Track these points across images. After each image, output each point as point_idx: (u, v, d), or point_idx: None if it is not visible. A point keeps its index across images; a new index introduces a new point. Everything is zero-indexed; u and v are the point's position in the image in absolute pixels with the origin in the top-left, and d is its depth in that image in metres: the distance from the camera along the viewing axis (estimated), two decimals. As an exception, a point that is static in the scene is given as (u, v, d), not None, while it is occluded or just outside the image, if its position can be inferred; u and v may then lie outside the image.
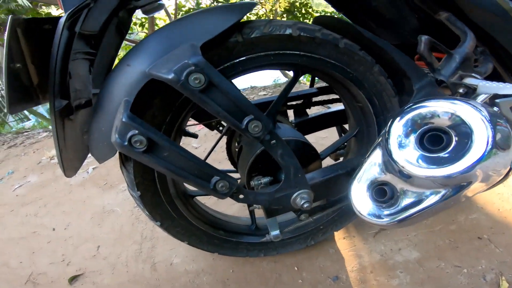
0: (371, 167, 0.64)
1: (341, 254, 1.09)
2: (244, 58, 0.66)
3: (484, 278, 0.95)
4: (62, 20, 0.49)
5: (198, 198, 0.99)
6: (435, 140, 0.56)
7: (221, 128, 1.06)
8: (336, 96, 1.12)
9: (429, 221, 1.18)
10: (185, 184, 0.88)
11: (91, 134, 0.63)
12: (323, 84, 1.08)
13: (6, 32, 0.48)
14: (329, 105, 1.15)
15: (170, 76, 0.50)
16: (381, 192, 0.63)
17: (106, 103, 0.61)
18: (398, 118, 0.59)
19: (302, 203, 0.70)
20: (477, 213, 1.20)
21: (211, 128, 1.06)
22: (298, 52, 0.67)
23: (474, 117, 0.50)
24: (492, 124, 0.48)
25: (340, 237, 1.15)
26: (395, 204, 0.61)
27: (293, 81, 0.79)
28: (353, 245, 1.12)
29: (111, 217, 1.46)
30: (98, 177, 1.87)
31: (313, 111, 1.11)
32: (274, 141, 0.63)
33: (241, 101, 0.56)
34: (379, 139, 0.66)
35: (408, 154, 0.57)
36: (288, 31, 0.64)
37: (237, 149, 1.01)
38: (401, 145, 0.58)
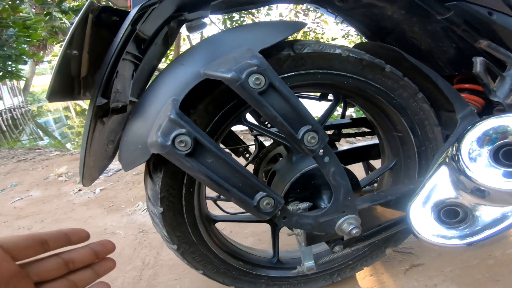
0: (435, 188, 0.50)
1: None
2: (293, 73, 0.58)
3: None
4: (132, 13, 0.45)
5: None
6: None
7: (247, 155, 0.93)
8: (367, 130, 1.00)
9: (464, 257, 0.98)
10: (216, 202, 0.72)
11: (124, 136, 0.54)
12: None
13: (78, 16, 0.46)
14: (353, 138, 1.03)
15: (230, 75, 0.42)
16: (451, 213, 0.49)
17: (150, 103, 0.52)
18: (471, 133, 0.47)
19: (350, 229, 0.54)
20: None
21: (237, 154, 0.94)
22: (345, 74, 0.60)
23: None
24: None
25: (366, 275, 0.94)
26: (470, 224, 0.47)
27: (333, 106, 0.70)
28: (382, 282, 0.91)
29: (112, 239, 1.20)
30: (104, 198, 1.68)
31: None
32: (328, 157, 0.50)
33: (300, 109, 0.46)
34: (442, 158, 0.53)
35: (485, 170, 0.43)
36: (338, 51, 0.58)
37: (265, 178, 0.85)
38: (475, 160, 0.45)
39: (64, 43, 0.47)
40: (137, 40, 0.53)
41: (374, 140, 0.91)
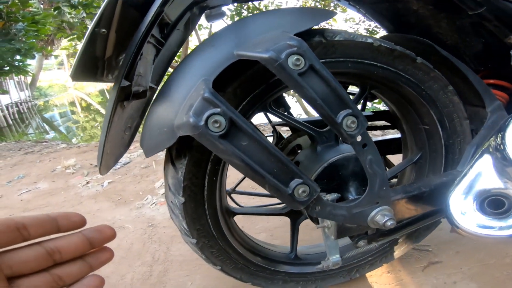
0: (478, 177, 0.46)
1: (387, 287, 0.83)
2: (323, 60, 0.54)
3: None
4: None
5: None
6: None
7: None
8: (388, 124, 0.94)
9: (481, 256, 0.93)
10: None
11: (147, 120, 0.51)
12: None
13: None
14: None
15: (268, 54, 0.39)
16: (495, 204, 0.44)
17: (177, 84, 0.48)
18: None
19: (384, 220, 0.49)
20: None
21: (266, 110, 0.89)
22: (376, 63, 0.57)
23: None
24: None
25: (383, 271, 0.89)
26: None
27: (360, 96, 0.66)
28: (400, 279, 0.86)
29: (120, 233, 1.19)
30: (112, 191, 1.63)
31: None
32: (366, 144, 0.45)
33: (340, 93, 0.43)
34: (484, 147, 0.48)
35: None
36: (370, 40, 0.55)
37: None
38: None
39: (93, 21, 0.44)
40: (161, 24, 0.51)
41: (395, 135, 0.86)
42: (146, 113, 0.51)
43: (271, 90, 0.52)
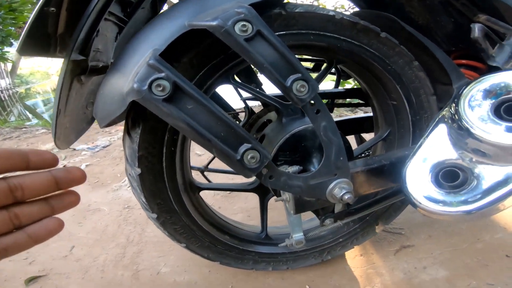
0: (433, 148, 0.47)
1: (359, 272, 0.86)
2: (284, 32, 0.55)
3: None
4: None
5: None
6: None
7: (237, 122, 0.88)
8: (361, 102, 0.96)
9: (453, 240, 0.97)
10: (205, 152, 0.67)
11: (100, 90, 0.50)
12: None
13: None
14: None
15: (215, 22, 0.40)
16: (450, 176, 0.45)
17: (129, 55, 0.48)
18: (473, 88, 0.43)
19: (342, 193, 0.50)
20: (502, 233, 1.00)
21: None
22: (339, 36, 0.58)
23: None
24: None
25: (356, 254, 0.92)
26: (470, 188, 0.43)
27: (326, 70, 0.67)
28: (372, 262, 0.89)
29: (96, 216, 1.19)
30: (90, 174, 1.61)
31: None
32: (319, 110, 0.46)
33: (289, 57, 0.44)
34: (440, 115, 0.50)
35: (487, 125, 0.40)
36: (331, 13, 0.56)
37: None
38: (477, 115, 0.42)
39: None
40: (123, 3, 0.51)
41: (368, 114, 0.88)
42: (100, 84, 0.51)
43: (230, 60, 0.52)
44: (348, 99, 1.05)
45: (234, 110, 0.82)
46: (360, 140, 1.07)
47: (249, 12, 0.41)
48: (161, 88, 0.38)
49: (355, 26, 0.57)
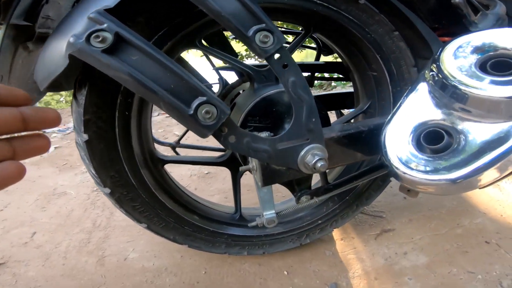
0: (413, 109, 0.43)
1: (339, 257, 0.84)
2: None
3: (500, 285, 0.78)
4: None
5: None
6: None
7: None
8: (341, 76, 0.93)
9: (433, 225, 0.97)
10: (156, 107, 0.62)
11: (42, 52, 0.45)
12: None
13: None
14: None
15: None
16: (433, 138, 0.41)
17: (75, 16, 0.43)
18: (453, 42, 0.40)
19: (314, 161, 0.45)
20: (481, 218, 1.02)
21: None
22: (317, 1, 0.54)
23: None
24: None
25: (337, 238, 0.91)
26: (457, 152, 0.38)
27: (301, 38, 0.63)
28: (353, 247, 0.88)
29: (61, 200, 1.12)
30: (58, 156, 1.53)
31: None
32: (286, 63, 0.42)
33: (251, 7, 0.40)
34: (423, 72, 0.46)
35: (471, 79, 0.37)
36: None
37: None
38: (460, 69, 0.38)
39: None
40: None
41: (349, 89, 0.86)
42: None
43: (193, 21, 0.48)
44: (328, 73, 1.02)
45: (207, 82, 0.76)
46: (341, 116, 1.05)
47: None
48: (100, 39, 0.34)
49: None
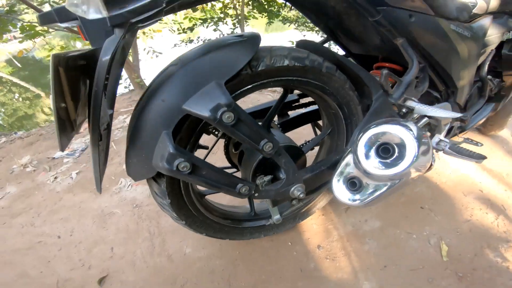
0: (346, 167, 0.92)
1: (322, 228, 1.41)
2: (251, 85, 0.84)
3: (429, 242, 1.27)
4: (105, 60, 0.58)
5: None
6: (386, 150, 0.80)
7: (216, 132, 1.27)
8: (312, 100, 1.37)
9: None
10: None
11: (129, 159, 0.80)
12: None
13: (51, 74, 0.56)
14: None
15: (207, 114, 0.69)
16: (353, 184, 0.91)
17: (143, 134, 0.76)
18: (362, 136, 0.85)
19: (298, 194, 0.97)
20: (420, 187, 1.58)
21: (207, 133, 1.25)
22: (292, 78, 0.88)
23: (407, 136, 0.75)
24: (418, 140, 0.74)
25: (319, 215, 1.46)
26: (363, 192, 0.90)
27: (284, 96, 1.03)
28: (331, 219, 1.45)
29: (113, 219, 1.58)
30: (84, 181, 1.93)
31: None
32: (280, 155, 0.88)
33: (257, 129, 0.79)
34: (350, 149, 0.94)
35: (370, 161, 0.83)
36: (286, 62, 0.82)
37: (235, 151, 1.24)
38: (365, 155, 0.84)
39: (51, 101, 0.59)
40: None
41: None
42: (127, 147, 0.79)
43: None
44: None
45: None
46: (316, 127, 1.49)
47: (231, 103, 0.69)
48: (185, 167, 0.71)
49: (303, 68, 0.85)
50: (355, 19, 1.00)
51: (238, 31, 4.71)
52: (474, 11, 1.10)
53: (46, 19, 0.63)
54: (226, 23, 4.66)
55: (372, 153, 0.83)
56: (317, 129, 1.51)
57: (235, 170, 1.23)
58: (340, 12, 1.00)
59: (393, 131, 0.77)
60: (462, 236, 1.30)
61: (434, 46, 1.01)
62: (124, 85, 3.88)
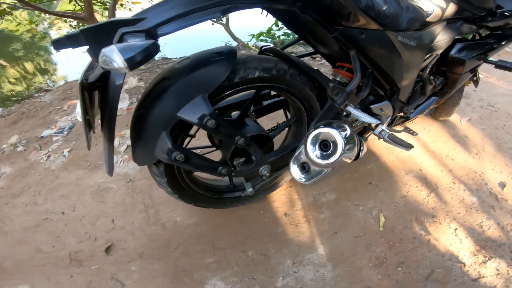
0: (300, 154, 1.18)
1: (289, 198, 1.70)
2: (229, 92, 1.05)
3: (371, 214, 1.54)
4: (119, 84, 0.80)
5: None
6: (325, 145, 1.07)
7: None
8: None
9: (341, 171, 1.86)
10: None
11: (135, 151, 1.03)
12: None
13: (79, 96, 0.78)
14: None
15: (196, 121, 0.94)
16: (304, 167, 1.18)
17: (147, 134, 0.98)
18: (310, 134, 1.11)
19: (265, 173, 1.25)
20: (371, 164, 1.86)
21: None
22: (262, 84, 1.08)
23: (337, 136, 1.01)
24: (345, 139, 1.01)
25: (288, 186, 1.74)
26: (310, 174, 1.18)
27: (257, 95, 1.27)
28: (296, 191, 1.74)
29: (110, 193, 1.79)
30: (77, 159, 2.07)
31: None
32: (250, 145, 1.14)
33: (233, 130, 1.04)
34: (302, 142, 1.20)
35: (314, 152, 1.11)
36: (257, 74, 1.02)
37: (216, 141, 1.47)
38: (312, 148, 1.11)
39: (80, 115, 0.83)
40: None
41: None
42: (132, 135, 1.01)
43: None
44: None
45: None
46: (288, 111, 1.71)
47: (212, 114, 0.94)
48: (180, 158, 0.95)
49: (272, 77, 1.04)
50: (320, 30, 1.18)
51: None
52: (428, 19, 1.24)
53: (59, 44, 0.78)
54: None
55: (316, 147, 1.09)
56: (288, 113, 1.73)
57: (215, 149, 1.46)
58: (309, 23, 1.17)
59: (328, 132, 1.03)
60: (398, 209, 1.62)
61: (380, 56, 1.20)
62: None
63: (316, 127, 1.07)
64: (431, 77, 1.59)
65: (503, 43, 1.62)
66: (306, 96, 1.25)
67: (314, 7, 0.99)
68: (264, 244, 1.49)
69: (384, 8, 1.06)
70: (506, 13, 1.45)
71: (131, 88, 2.87)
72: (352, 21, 1.06)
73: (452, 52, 1.55)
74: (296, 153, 1.15)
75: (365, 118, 1.16)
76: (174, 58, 3.82)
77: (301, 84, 1.19)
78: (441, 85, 1.67)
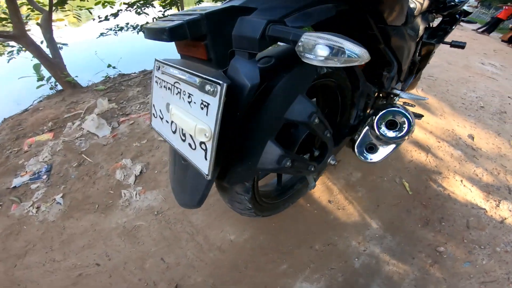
0: (365, 137, 1.25)
1: (325, 186, 1.72)
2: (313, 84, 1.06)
3: (395, 181, 1.72)
4: (255, 84, 0.73)
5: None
6: (392, 124, 1.21)
7: None
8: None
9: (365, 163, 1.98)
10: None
11: (234, 170, 0.91)
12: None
13: (221, 100, 0.66)
14: None
15: (306, 120, 0.89)
16: (372, 148, 1.25)
17: (248, 147, 0.87)
18: (379, 115, 1.19)
19: (333, 162, 1.23)
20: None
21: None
22: (326, 79, 1.14)
23: (407, 114, 1.14)
24: (411, 117, 1.14)
25: (323, 176, 1.79)
26: (378, 153, 1.25)
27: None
28: (328, 177, 1.77)
29: (142, 231, 1.50)
30: (78, 203, 1.70)
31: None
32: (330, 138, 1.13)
33: (326, 125, 1.00)
34: (367, 123, 1.25)
35: (382, 130, 1.20)
36: (325, 70, 1.05)
37: None
38: (382, 128, 1.20)
39: (213, 141, 0.73)
40: None
41: None
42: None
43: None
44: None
45: None
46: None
47: (317, 111, 0.91)
48: (288, 163, 0.90)
49: (332, 72, 1.13)
50: (356, 28, 1.23)
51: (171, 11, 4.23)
52: (415, 13, 1.45)
53: (176, 33, 0.65)
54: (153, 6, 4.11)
55: (383, 126, 1.17)
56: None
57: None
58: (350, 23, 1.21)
59: (399, 110, 1.16)
60: (412, 173, 1.82)
61: (397, 46, 1.34)
62: (49, 86, 3.13)
63: (379, 110, 1.15)
64: (418, 59, 1.87)
65: (453, 27, 1.98)
66: (343, 87, 1.28)
67: (370, 9, 1.06)
68: (324, 234, 1.49)
69: (409, 7, 1.26)
70: (452, 3, 1.83)
71: (104, 112, 2.46)
72: (393, 20, 1.17)
73: (424, 38, 1.85)
74: (361, 137, 1.20)
75: (412, 96, 1.27)
76: (133, 73, 3.39)
77: (343, 78, 1.22)
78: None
